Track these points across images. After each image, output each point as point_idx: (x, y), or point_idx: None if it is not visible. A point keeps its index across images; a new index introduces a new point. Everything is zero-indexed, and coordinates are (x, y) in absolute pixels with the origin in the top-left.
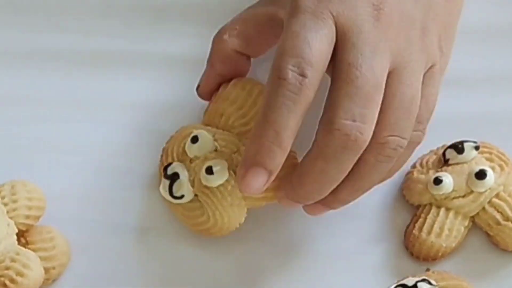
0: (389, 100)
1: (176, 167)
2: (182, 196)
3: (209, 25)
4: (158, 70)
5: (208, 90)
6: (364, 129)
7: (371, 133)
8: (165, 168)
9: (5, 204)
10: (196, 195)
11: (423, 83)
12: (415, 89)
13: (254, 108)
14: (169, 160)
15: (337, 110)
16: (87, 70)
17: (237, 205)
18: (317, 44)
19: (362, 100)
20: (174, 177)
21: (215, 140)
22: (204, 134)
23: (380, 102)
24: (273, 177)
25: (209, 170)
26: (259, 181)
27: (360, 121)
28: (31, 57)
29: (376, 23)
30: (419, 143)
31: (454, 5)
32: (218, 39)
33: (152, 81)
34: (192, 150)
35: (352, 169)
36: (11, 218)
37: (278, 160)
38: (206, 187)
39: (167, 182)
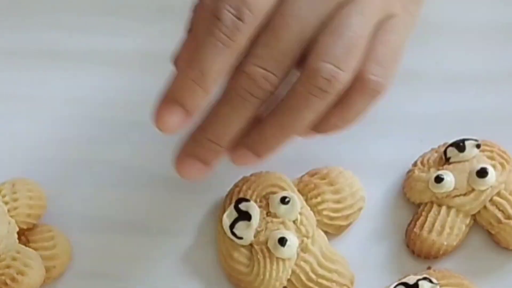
0: (325, 28)
1: (252, 208)
2: (240, 238)
3: None
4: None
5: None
6: (272, 78)
7: (279, 82)
8: (240, 200)
9: (6, 203)
10: (251, 244)
11: (382, 29)
12: (360, 22)
13: (349, 209)
14: (248, 196)
15: (252, 53)
16: (89, 68)
17: (284, 278)
18: None
19: (279, 50)
20: (244, 215)
21: (300, 213)
22: (296, 202)
23: (298, 54)
24: (189, 119)
25: (282, 241)
26: (174, 119)
27: (271, 70)
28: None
29: None
30: (378, 91)
31: None
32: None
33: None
34: (278, 207)
35: (278, 104)
36: (12, 216)
37: (198, 101)
38: (268, 249)
39: (235, 214)
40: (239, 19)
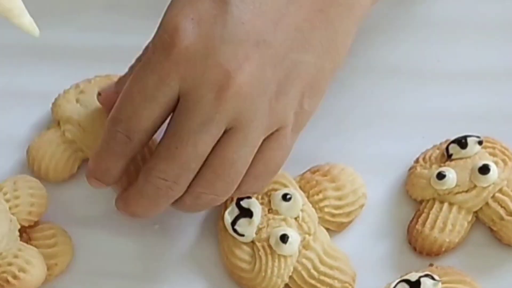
0: (210, 159)
1: (254, 205)
2: (242, 235)
3: None
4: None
5: (106, 104)
6: (175, 187)
7: (184, 189)
8: (242, 197)
9: (7, 200)
10: (253, 241)
11: (265, 145)
12: (244, 157)
13: (351, 206)
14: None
15: (155, 166)
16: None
17: (286, 275)
18: (146, 114)
19: (177, 167)
20: (246, 213)
21: (302, 210)
22: (298, 199)
23: (197, 168)
24: (112, 184)
25: (284, 238)
26: (99, 186)
27: (174, 181)
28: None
29: (220, 93)
30: (250, 193)
31: (328, 61)
32: (131, 70)
33: None
34: (279, 205)
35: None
36: (13, 214)
37: (112, 181)
38: (270, 246)
39: (237, 211)
40: (128, 138)
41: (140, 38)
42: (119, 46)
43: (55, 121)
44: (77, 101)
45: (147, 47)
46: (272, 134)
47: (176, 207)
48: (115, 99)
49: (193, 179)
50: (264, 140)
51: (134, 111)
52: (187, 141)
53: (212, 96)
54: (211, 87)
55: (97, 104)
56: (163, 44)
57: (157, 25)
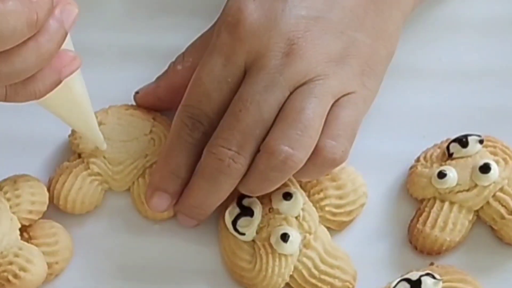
0: (280, 114)
1: (255, 204)
2: (243, 234)
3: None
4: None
5: (144, 103)
6: (238, 158)
7: (248, 161)
8: (243, 196)
9: (8, 199)
10: (254, 240)
11: (338, 105)
12: (312, 105)
13: (351, 205)
14: None
15: (218, 135)
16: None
17: (287, 274)
18: (216, 95)
19: (241, 132)
20: (246, 211)
21: (302, 209)
22: (298, 198)
23: (263, 135)
24: (175, 200)
25: (285, 237)
26: (163, 203)
27: (236, 151)
28: None
29: (285, 58)
30: (332, 165)
31: (382, 46)
32: (173, 66)
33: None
34: (280, 203)
35: (245, 174)
36: (14, 213)
37: (178, 187)
38: (271, 245)
39: (238, 210)
40: (200, 123)
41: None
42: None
43: (74, 153)
44: None
45: (192, 43)
46: (341, 97)
47: (245, 187)
48: (153, 97)
49: (265, 137)
50: (333, 105)
51: (204, 94)
52: (251, 101)
53: (276, 62)
54: (274, 54)
55: (119, 135)
56: (228, 25)
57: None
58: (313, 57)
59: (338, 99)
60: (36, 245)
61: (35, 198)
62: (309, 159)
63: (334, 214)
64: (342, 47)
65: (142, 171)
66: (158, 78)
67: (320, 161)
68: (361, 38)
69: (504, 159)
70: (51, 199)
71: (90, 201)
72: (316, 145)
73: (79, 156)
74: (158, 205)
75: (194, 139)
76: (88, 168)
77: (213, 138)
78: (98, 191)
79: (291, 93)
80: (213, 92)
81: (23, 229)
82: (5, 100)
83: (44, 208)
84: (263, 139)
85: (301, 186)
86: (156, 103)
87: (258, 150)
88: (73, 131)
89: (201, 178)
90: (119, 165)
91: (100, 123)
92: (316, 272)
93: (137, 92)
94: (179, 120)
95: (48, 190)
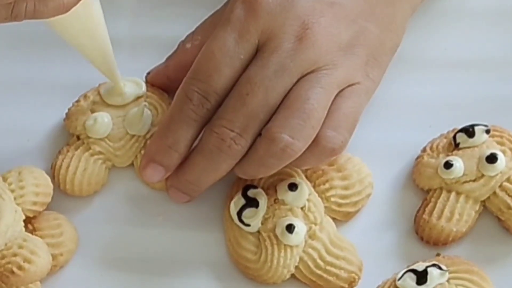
0: (285, 101)
1: (260, 195)
2: (248, 225)
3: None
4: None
5: (154, 82)
6: (239, 140)
7: (248, 144)
8: (248, 187)
9: (12, 191)
10: (259, 231)
11: (341, 96)
12: (317, 95)
13: (357, 196)
14: (255, 182)
15: (222, 115)
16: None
17: (292, 265)
18: (227, 71)
19: (245, 116)
20: (252, 203)
21: (308, 200)
22: (304, 188)
23: (266, 119)
24: (169, 173)
25: (290, 228)
26: (156, 175)
27: (238, 132)
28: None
29: (297, 43)
30: (331, 155)
31: (389, 38)
32: (182, 45)
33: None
34: (285, 194)
35: (243, 156)
36: (18, 204)
37: (175, 161)
38: (276, 236)
39: (243, 201)
40: (206, 99)
41: None
42: None
43: (73, 135)
44: (92, 112)
45: (202, 22)
46: (345, 88)
47: (241, 169)
48: (162, 76)
49: (268, 122)
50: (337, 95)
51: (215, 68)
52: (260, 86)
53: (289, 46)
54: (288, 37)
55: (115, 112)
56: (244, 1)
57: None
58: (324, 45)
59: (342, 89)
60: (41, 236)
61: (39, 189)
62: (308, 147)
63: (339, 205)
64: (352, 36)
65: (144, 143)
66: (168, 57)
67: (318, 150)
68: (371, 28)
69: (511, 149)
70: (56, 184)
71: (96, 181)
72: (316, 135)
73: (78, 138)
74: (151, 176)
75: (197, 115)
76: (89, 148)
77: (217, 117)
78: (102, 170)
79: (298, 80)
80: (225, 68)
81: (28, 221)
82: (34, 15)
83: (49, 199)
84: (266, 122)
85: (306, 177)
86: (166, 82)
87: (259, 133)
88: (68, 114)
89: (200, 155)
90: (120, 141)
91: (93, 102)
92: (321, 263)
93: (148, 73)
94: (183, 94)
95: (53, 176)
